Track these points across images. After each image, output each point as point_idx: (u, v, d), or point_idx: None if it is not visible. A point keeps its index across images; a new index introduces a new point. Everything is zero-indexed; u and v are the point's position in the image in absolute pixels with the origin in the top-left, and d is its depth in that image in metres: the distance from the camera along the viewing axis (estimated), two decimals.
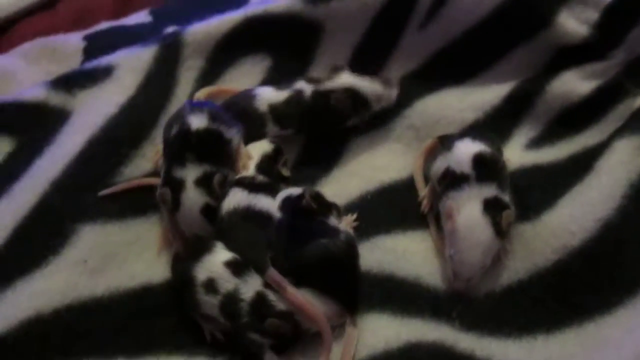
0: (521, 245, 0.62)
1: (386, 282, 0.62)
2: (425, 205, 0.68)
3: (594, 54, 0.70)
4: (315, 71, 0.77)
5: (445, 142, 0.69)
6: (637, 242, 0.58)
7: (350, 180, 0.72)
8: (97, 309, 0.60)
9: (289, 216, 0.62)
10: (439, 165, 0.66)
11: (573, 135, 0.70)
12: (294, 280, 0.59)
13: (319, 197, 0.63)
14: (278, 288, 0.58)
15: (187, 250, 0.62)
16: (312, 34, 0.77)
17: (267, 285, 0.58)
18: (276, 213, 0.63)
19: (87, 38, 0.85)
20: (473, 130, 0.71)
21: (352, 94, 0.72)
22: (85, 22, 0.91)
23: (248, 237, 0.61)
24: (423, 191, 0.69)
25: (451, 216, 0.61)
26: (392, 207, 0.69)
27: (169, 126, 0.67)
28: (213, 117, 0.66)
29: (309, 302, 0.58)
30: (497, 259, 0.62)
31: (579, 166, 0.64)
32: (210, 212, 0.63)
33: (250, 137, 0.70)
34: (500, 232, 0.60)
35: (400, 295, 0.62)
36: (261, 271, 0.59)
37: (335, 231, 0.61)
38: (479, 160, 0.63)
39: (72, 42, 0.84)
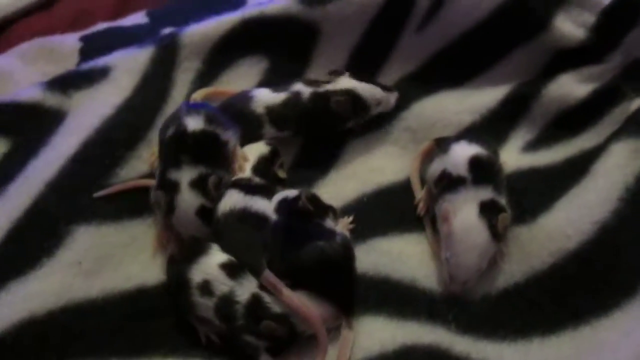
0: (517, 248, 0.62)
1: (382, 285, 0.62)
2: (421, 207, 0.68)
3: (591, 57, 0.71)
4: (313, 73, 0.77)
5: (441, 145, 0.69)
6: (633, 245, 0.58)
7: (346, 182, 0.72)
8: (92, 310, 0.60)
9: (285, 218, 0.62)
10: (436, 167, 0.66)
11: (570, 138, 0.70)
12: (289, 283, 0.58)
13: (315, 199, 0.63)
14: (274, 290, 0.58)
15: (182, 252, 0.62)
16: (309, 36, 0.77)
17: (262, 287, 0.58)
18: (272, 215, 0.62)
19: (83, 39, 0.85)
20: (470, 133, 0.71)
21: (352, 97, 0.71)
22: (83, 23, 0.91)
23: (244, 239, 0.61)
24: (419, 194, 0.69)
25: (447, 219, 0.61)
26: (388, 210, 0.69)
27: (165, 128, 0.67)
28: (210, 119, 0.66)
29: (304, 304, 0.57)
30: (494, 262, 0.62)
31: (576, 169, 0.64)
32: (206, 213, 0.63)
33: (247, 138, 0.70)
34: (497, 235, 0.60)
35: (396, 298, 0.61)
36: (257, 273, 0.58)
37: (331, 233, 0.61)
38: (475, 163, 0.63)
39: (69, 43, 0.84)
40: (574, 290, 0.58)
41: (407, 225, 0.68)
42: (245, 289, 0.58)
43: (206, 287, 0.58)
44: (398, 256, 0.65)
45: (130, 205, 0.66)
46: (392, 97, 0.74)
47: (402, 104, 0.75)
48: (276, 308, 0.57)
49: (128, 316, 0.61)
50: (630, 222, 0.58)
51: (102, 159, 0.67)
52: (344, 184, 0.72)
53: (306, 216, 0.61)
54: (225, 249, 0.61)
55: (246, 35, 0.76)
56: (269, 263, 0.59)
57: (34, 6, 0.94)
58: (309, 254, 0.59)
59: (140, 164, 0.69)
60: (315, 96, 0.72)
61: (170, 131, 0.65)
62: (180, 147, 0.64)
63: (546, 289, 0.59)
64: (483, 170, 0.63)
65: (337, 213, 0.66)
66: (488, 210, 0.61)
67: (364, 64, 0.77)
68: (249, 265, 0.59)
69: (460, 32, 0.74)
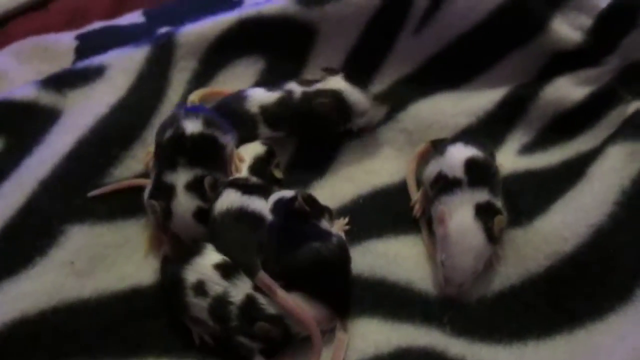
0: (513, 250, 0.62)
1: (377, 287, 0.62)
2: (417, 209, 0.68)
3: (588, 60, 0.71)
4: (309, 74, 0.77)
5: (438, 147, 0.69)
6: (629, 248, 0.58)
7: (342, 183, 0.72)
8: (84, 311, 0.59)
9: (281, 219, 0.61)
10: (432, 169, 0.66)
11: (566, 141, 0.70)
12: (284, 284, 0.58)
13: (311, 200, 0.63)
14: (268, 291, 0.57)
15: (176, 253, 0.62)
16: (306, 37, 0.76)
17: (257, 288, 0.58)
18: (269, 215, 0.62)
19: (79, 38, 0.85)
20: (466, 135, 0.71)
21: (337, 100, 0.70)
22: (78, 22, 0.91)
23: (239, 238, 0.61)
24: (415, 195, 0.69)
25: (443, 221, 0.61)
26: (384, 211, 0.69)
27: (162, 130, 0.66)
28: (208, 123, 0.65)
29: (299, 306, 0.57)
30: (489, 265, 0.62)
31: (572, 172, 0.65)
32: (203, 215, 0.63)
33: (243, 138, 0.70)
34: (492, 237, 0.60)
35: (391, 300, 0.61)
36: (251, 274, 0.58)
37: (327, 234, 0.61)
38: (471, 165, 0.63)
39: (64, 42, 0.84)
40: (569, 293, 0.58)
41: (402, 227, 0.67)
42: (240, 289, 0.58)
43: (200, 288, 0.58)
44: (394, 258, 0.65)
45: (124, 205, 0.66)
46: (380, 112, 0.72)
47: (399, 106, 0.75)
48: (271, 309, 0.57)
49: (121, 316, 0.60)
50: (626, 225, 0.58)
51: (96, 158, 0.67)
52: (340, 186, 0.72)
53: (302, 217, 0.61)
54: (220, 248, 0.60)
55: (243, 35, 0.76)
56: (263, 263, 0.59)
57: (29, 5, 0.94)
58: (304, 255, 0.59)
59: (135, 164, 0.69)
60: (304, 95, 0.71)
61: (168, 133, 0.65)
62: (177, 150, 0.63)
63: (542, 292, 0.59)
64: (479, 173, 0.63)
65: (332, 214, 0.65)
66: (484, 212, 0.61)
67: (360, 65, 0.77)
68: (244, 266, 0.59)
69: (457, 35, 0.74)
